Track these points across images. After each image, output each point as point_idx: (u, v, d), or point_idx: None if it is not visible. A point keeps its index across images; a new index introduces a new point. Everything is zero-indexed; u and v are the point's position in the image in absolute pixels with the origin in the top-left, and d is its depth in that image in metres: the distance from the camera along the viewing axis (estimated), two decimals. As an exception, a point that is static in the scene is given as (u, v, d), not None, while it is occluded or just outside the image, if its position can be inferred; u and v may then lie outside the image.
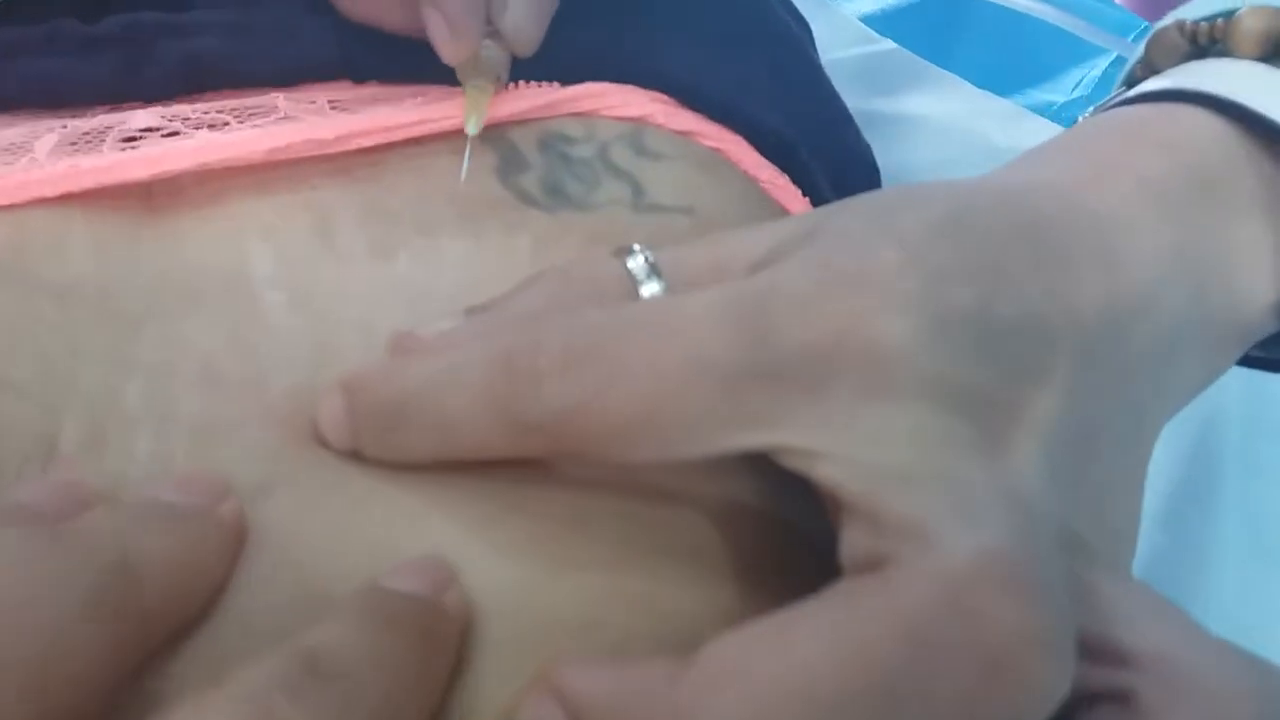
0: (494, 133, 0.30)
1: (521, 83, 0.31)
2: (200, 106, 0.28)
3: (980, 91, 0.60)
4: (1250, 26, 0.26)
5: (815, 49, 0.42)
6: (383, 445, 0.22)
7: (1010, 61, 0.62)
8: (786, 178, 0.33)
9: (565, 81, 0.31)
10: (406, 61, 0.30)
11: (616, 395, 0.20)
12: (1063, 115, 0.59)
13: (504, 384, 0.21)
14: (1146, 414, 0.24)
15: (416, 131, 0.29)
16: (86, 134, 0.28)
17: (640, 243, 0.24)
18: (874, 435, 0.19)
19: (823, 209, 0.24)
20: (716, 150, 0.32)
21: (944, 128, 0.57)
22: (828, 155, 0.35)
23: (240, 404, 0.23)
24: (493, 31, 0.29)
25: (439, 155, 0.29)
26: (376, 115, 0.29)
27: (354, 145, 0.28)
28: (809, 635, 0.17)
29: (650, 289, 0.23)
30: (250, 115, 0.28)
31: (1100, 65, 0.62)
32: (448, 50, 0.29)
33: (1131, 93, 0.28)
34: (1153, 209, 0.24)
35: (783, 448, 0.19)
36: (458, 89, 0.30)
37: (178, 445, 0.23)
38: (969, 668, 0.17)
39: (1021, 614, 0.17)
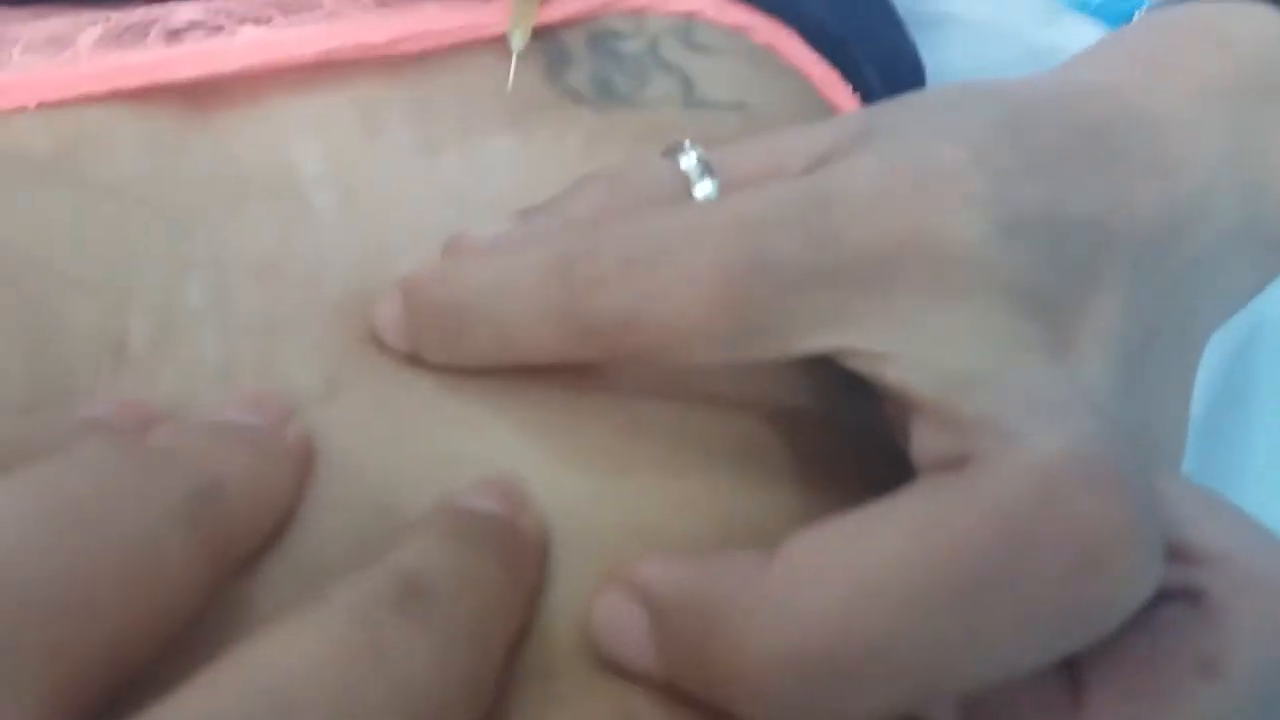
0: (544, 33, 0.29)
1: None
2: (244, 1, 0.28)
3: (1016, -13, 0.58)
4: None
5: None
6: (442, 349, 0.22)
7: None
8: (838, 74, 0.32)
9: None
10: None
11: (677, 300, 0.20)
12: (1102, 12, 0.58)
13: (561, 290, 0.21)
14: (1198, 318, 0.24)
15: (466, 36, 0.28)
16: (130, 27, 0.27)
17: (691, 139, 0.24)
18: (945, 336, 0.19)
19: (877, 107, 0.24)
20: (768, 47, 0.31)
21: (979, 27, 0.56)
22: (877, 54, 0.35)
23: (299, 303, 0.23)
24: None
25: (487, 57, 0.28)
26: (426, 16, 0.28)
27: (404, 49, 0.27)
28: (896, 529, 0.17)
29: (704, 189, 0.23)
30: (296, 10, 0.28)
31: (1141, -39, 0.61)
32: None
33: None
34: (1210, 111, 0.24)
35: (849, 350, 0.19)
36: None
37: (244, 345, 0.23)
38: (1062, 560, 0.16)
39: (1114, 508, 0.16)
